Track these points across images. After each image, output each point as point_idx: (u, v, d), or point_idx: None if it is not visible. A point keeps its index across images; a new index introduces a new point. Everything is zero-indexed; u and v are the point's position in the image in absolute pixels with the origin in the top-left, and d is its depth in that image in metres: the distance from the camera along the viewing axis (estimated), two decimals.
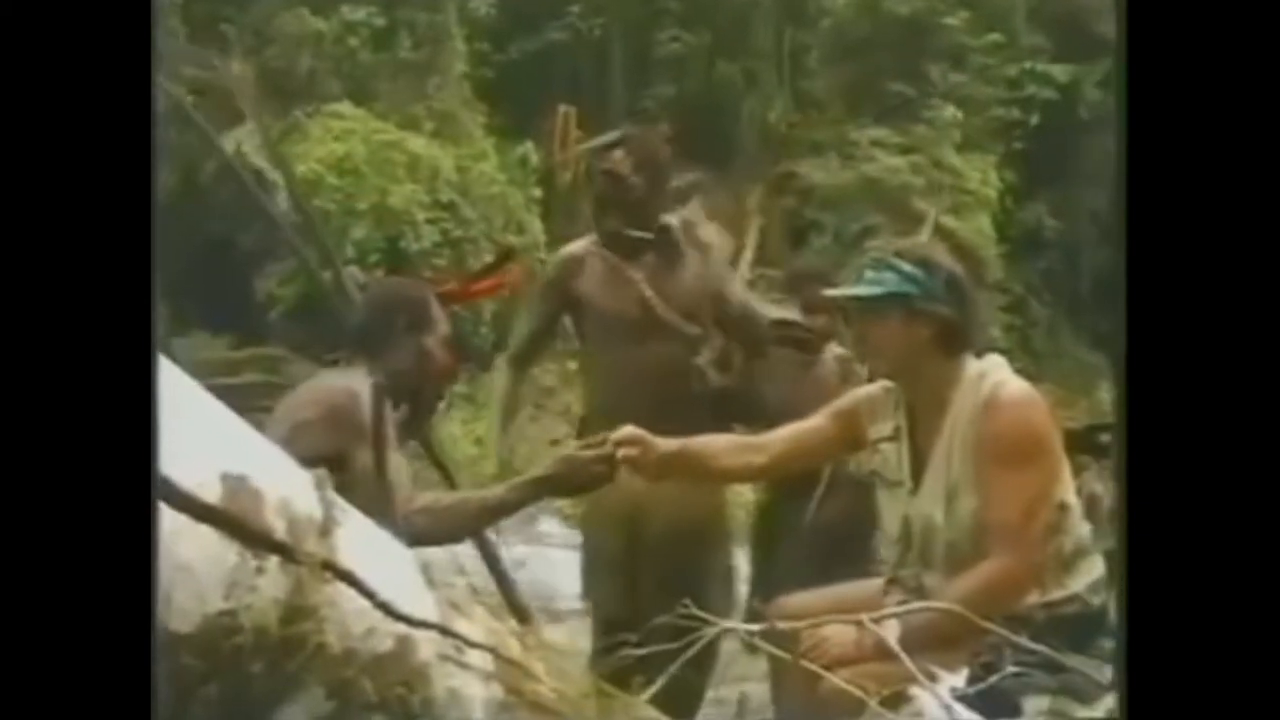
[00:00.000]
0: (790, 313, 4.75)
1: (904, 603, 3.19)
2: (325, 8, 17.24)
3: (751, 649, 3.36)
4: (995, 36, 19.36)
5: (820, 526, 4.84)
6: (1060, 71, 19.48)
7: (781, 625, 3.17)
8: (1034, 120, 19.40)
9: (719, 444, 3.68)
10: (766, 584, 4.71)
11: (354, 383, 3.34)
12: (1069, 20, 19.45)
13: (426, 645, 1.79)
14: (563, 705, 2.05)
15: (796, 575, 4.15)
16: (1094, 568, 3.21)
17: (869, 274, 3.28)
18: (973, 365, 3.23)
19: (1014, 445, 3.11)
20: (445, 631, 1.83)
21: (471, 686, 1.87)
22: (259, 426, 2.09)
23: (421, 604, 1.82)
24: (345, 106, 16.52)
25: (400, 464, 3.24)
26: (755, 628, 3.24)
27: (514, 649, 2.02)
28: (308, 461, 3.14)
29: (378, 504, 3.11)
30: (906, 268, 3.22)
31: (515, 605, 4.90)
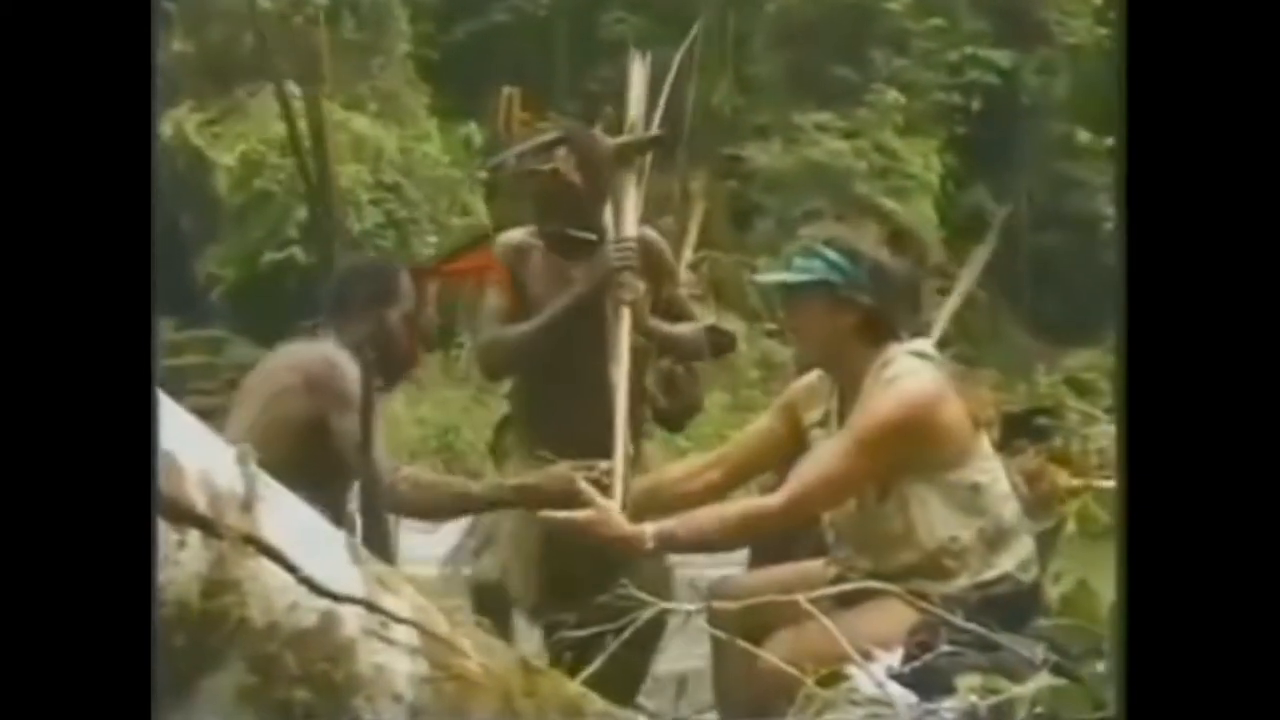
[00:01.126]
0: (710, 316, 4.72)
1: (840, 581, 3.21)
2: None
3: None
4: (937, 21, 19.46)
5: None
6: (1001, 57, 19.60)
7: (718, 605, 3.18)
8: (975, 105, 19.51)
9: (677, 471, 3.69)
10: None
11: (327, 352, 3.36)
12: (1010, 6, 19.58)
13: (352, 620, 1.78)
14: (490, 681, 2.05)
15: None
16: (1023, 547, 3.24)
17: (798, 261, 3.31)
18: (887, 352, 3.23)
19: (873, 428, 3.14)
20: (371, 607, 1.82)
21: (397, 662, 1.86)
22: (200, 406, 2.09)
23: (347, 579, 1.81)
24: (289, 86, 16.37)
25: (381, 432, 3.27)
26: (693, 607, 3.25)
27: (441, 625, 2.01)
28: (290, 426, 3.18)
29: (359, 470, 3.14)
30: (832, 255, 3.24)
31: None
